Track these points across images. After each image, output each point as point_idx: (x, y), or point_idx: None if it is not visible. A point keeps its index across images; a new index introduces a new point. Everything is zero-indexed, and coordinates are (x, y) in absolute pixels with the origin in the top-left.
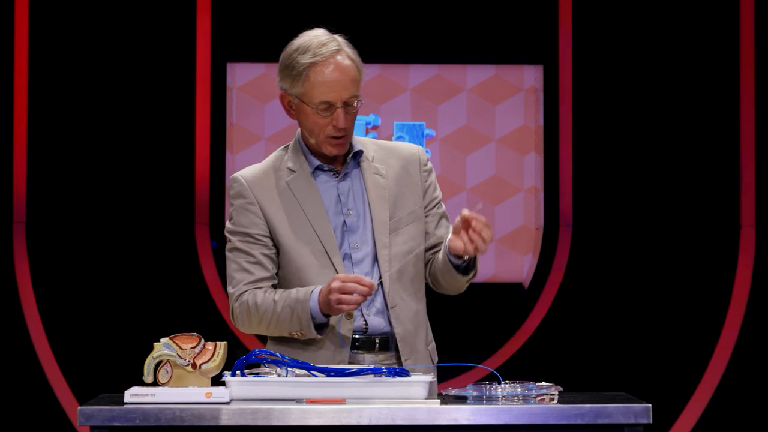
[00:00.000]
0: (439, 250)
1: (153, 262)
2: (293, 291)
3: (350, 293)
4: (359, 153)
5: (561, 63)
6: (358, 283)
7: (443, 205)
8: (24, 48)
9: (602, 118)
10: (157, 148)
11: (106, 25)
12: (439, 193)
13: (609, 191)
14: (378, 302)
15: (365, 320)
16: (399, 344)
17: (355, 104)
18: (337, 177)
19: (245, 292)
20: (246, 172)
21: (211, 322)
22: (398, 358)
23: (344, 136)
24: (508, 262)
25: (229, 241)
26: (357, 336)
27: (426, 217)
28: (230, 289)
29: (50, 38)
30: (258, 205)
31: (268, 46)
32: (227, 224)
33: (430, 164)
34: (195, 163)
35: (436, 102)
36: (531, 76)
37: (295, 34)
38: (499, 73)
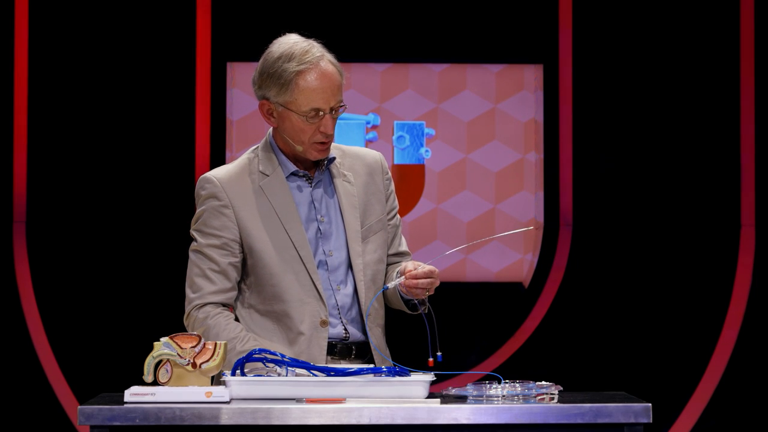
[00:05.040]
0: (391, 263)
1: (153, 261)
2: (247, 341)
3: None
4: (332, 159)
5: (561, 62)
6: None
7: (398, 215)
8: (24, 48)
9: (602, 118)
10: (157, 147)
11: (106, 24)
12: (397, 203)
13: (609, 191)
14: (354, 311)
15: (345, 328)
16: (373, 351)
17: (340, 109)
18: (310, 183)
19: (207, 304)
20: (218, 173)
21: None
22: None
23: (329, 141)
24: (508, 261)
25: (196, 240)
26: (335, 342)
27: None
28: (190, 294)
29: (50, 38)
30: (232, 208)
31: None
32: (194, 224)
33: (389, 172)
34: (195, 163)
35: (436, 102)
36: (531, 76)
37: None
38: (499, 73)
